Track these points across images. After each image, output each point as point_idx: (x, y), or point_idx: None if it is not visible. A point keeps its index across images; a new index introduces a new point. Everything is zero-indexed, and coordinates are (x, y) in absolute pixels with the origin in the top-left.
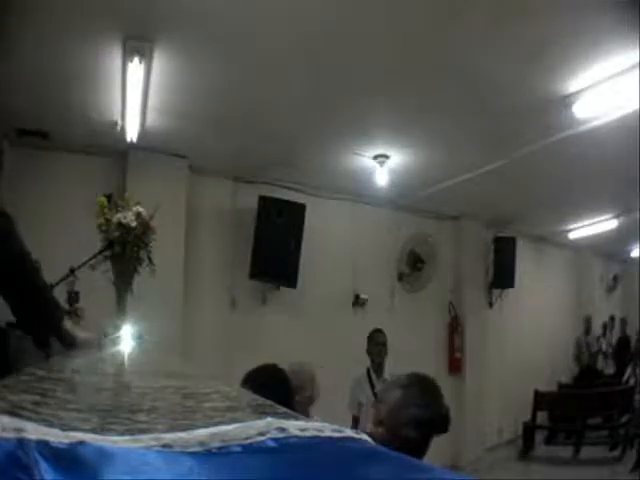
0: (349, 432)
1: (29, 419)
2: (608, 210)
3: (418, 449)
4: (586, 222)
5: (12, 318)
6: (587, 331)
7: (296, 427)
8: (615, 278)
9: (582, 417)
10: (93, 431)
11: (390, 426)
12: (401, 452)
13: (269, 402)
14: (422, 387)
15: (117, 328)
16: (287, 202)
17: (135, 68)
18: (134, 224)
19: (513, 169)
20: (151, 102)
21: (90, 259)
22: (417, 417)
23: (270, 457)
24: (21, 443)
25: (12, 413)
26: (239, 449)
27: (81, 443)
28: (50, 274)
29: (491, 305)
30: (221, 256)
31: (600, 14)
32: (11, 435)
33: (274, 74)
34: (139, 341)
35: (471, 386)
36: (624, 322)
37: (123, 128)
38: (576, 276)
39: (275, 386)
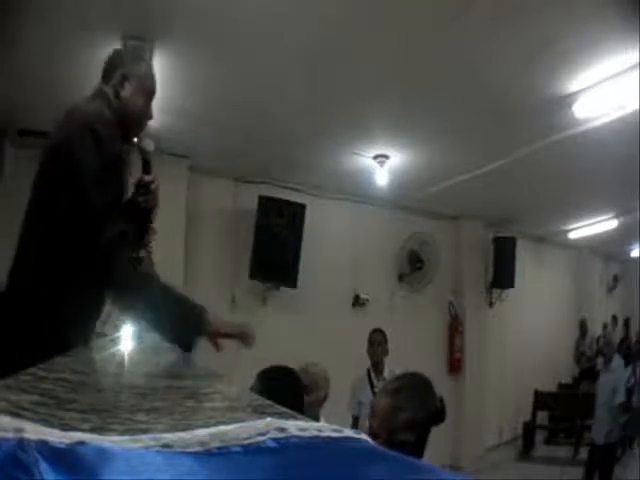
0: (349, 432)
1: (29, 419)
2: (608, 210)
3: (418, 450)
4: (586, 222)
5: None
6: (583, 335)
7: (296, 427)
8: (615, 278)
9: (582, 417)
10: (93, 431)
11: (386, 437)
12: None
13: (269, 402)
14: (409, 389)
15: (117, 328)
16: (287, 202)
17: None
18: None
19: (513, 169)
20: None
21: None
22: (409, 421)
23: (270, 457)
24: (21, 443)
25: (12, 413)
26: (239, 449)
27: (81, 443)
28: None
29: (491, 305)
30: (221, 256)
31: (600, 14)
32: (11, 435)
33: (274, 74)
34: (139, 341)
35: (471, 386)
36: (626, 322)
37: None
38: (576, 276)
39: (287, 388)
